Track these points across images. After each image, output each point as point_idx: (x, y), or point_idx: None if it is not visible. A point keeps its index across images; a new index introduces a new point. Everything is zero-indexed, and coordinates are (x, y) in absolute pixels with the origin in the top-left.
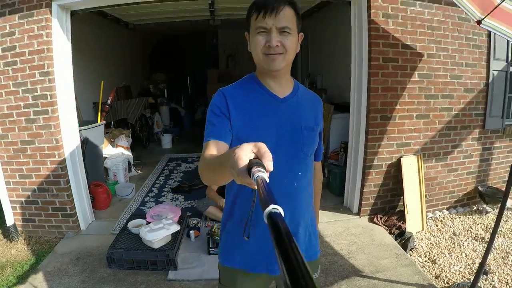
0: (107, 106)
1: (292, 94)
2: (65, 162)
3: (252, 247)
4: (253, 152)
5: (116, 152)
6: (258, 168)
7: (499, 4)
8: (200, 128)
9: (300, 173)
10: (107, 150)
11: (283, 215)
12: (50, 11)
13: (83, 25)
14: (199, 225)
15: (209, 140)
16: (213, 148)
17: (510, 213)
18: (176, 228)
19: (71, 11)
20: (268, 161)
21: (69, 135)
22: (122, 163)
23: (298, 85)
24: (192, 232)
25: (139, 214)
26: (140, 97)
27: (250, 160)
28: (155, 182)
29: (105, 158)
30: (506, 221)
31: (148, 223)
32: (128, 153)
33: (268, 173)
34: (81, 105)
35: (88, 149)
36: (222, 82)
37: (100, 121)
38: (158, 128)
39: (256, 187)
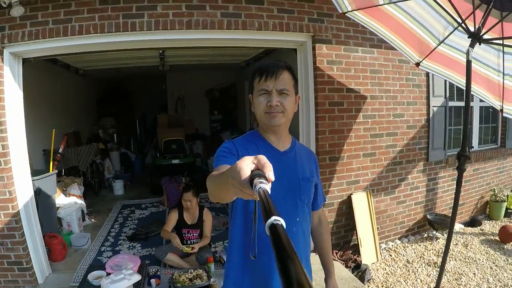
0: (59, 155)
1: (291, 148)
2: (19, 214)
3: (252, 280)
4: (254, 163)
5: (69, 201)
6: (260, 180)
7: (435, 48)
8: (150, 173)
9: (298, 219)
10: (60, 199)
11: (284, 226)
12: (2, 59)
13: (32, 70)
14: (159, 273)
15: (219, 165)
16: (222, 170)
17: (459, 237)
18: (137, 278)
19: (22, 58)
20: (269, 171)
21: (23, 186)
22: (76, 213)
23: (295, 141)
24: (153, 280)
25: (98, 264)
26: (91, 143)
27: (251, 171)
28: (110, 230)
29: (58, 207)
30: (456, 244)
31: (108, 274)
32: (81, 201)
33: (270, 183)
34: (31, 153)
35: (41, 200)
36: (173, 127)
37: (52, 170)
38: (109, 174)
39: (258, 198)
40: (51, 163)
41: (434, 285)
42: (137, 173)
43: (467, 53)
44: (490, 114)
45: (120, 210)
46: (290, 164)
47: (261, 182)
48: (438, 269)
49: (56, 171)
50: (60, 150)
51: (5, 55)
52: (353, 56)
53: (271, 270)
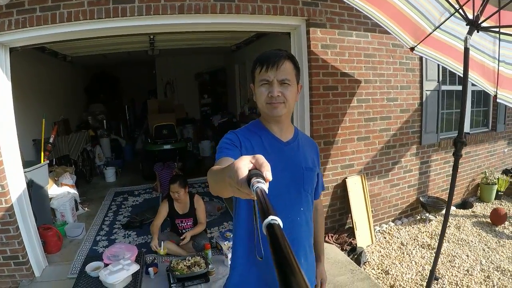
0: (50, 145)
1: (293, 138)
2: (12, 208)
3: (260, 273)
4: (252, 163)
5: (61, 191)
6: (258, 179)
7: (430, 33)
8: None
9: (302, 209)
10: (52, 190)
11: (282, 226)
12: None
13: (19, 59)
14: (156, 261)
15: (221, 157)
16: (224, 163)
17: (452, 219)
18: (136, 268)
19: (10, 48)
20: (267, 171)
21: (15, 180)
22: (69, 202)
23: (297, 131)
24: (151, 269)
25: (94, 255)
26: (81, 131)
27: (249, 170)
28: (104, 219)
29: (51, 198)
30: (448, 226)
31: (106, 265)
32: (74, 191)
33: (268, 183)
34: (20, 143)
35: (34, 192)
36: (163, 113)
37: (44, 160)
38: (100, 161)
39: (255, 198)
40: (42, 153)
41: (429, 267)
42: (127, 159)
43: (465, 41)
44: (482, 98)
45: (113, 197)
46: (293, 154)
47: (258, 182)
48: (432, 251)
49: (48, 161)
50: (51, 140)
51: None
52: (347, 40)
53: None
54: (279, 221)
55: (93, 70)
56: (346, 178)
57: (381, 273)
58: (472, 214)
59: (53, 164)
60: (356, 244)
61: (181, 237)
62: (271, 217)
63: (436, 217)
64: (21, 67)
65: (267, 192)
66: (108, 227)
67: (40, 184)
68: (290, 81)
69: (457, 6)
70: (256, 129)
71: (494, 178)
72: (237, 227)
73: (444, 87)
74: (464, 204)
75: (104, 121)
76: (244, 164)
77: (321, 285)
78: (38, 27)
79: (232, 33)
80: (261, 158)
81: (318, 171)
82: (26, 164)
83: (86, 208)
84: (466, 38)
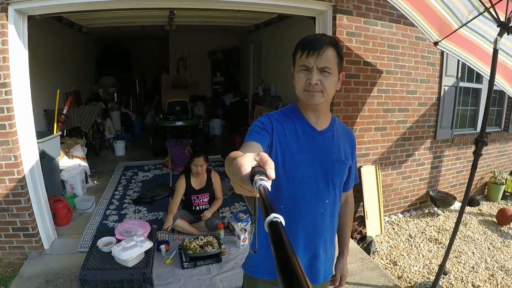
0: (63, 116)
1: (329, 127)
2: (24, 179)
3: None
4: (256, 160)
5: (72, 163)
6: (261, 177)
7: (456, 30)
8: (150, 132)
9: (327, 201)
10: (63, 161)
11: (284, 224)
12: (7, 16)
13: (35, 27)
14: (167, 238)
15: (248, 141)
16: (247, 149)
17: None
18: (149, 245)
19: (28, 16)
20: (271, 169)
21: (28, 150)
22: (80, 175)
23: (335, 120)
24: (162, 246)
25: (104, 229)
26: (93, 103)
27: (252, 168)
28: (114, 193)
29: (61, 170)
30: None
31: (118, 240)
32: (84, 163)
33: (271, 181)
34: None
35: (45, 163)
36: (177, 89)
37: (56, 131)
38: (110, 135)
39: (257, 195)
40: (55, 124)
41: (436, 261)
42: (137, 134)
43: (495, 42)
44: (496, 98)
45: (122, 171)
46: (326, 144)
47: (261, 179)
48: (439, 246)
49: (60, 132)
50: (64, 111)
51: (10, 12)
52: (372, 29)
53: (294, 248)
54: (281, 219)
55: (105, 42)
56: (361, 167)
57: (390, 264)
58: (479, 212)
59: (64, 136)
60: (366, 233)
61: (202, 214)
62: (273, 214)
63: (444, 212)
64: (37, 35)
65: (270, 190)
66: (118, 201)
67: (51, 156)
68: (331, 70)
69: (488, 5)
70: (291, 114)
71: (503, 178)
72: (260, 215)
73: (462, 84)
74: (471, 202)
75: (115, 94)
76: (248, 162)
77: (341, 280)
78: None
79: (254, 13)
80: (265, 156)
81: (350, 163)
82: (38, 134)
83: (95, 181)
84: (496, 39)
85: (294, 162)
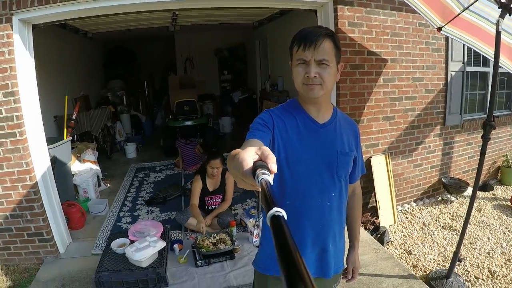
0: (73, 121)
1: (331, 120)
2: (37, 185)
3: None
4: (257, 154)
5: (84, 167)
6: (263, 171)
7: (459, 14)
8: (161, 133)
9: (333, 194)
10: (75, 166)
11: (286, 218)
12: (11, 26)
13: (42, 35)
14: (180, 237)
15: (249, 138)
16: (249, 144)
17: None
18: (162, 244)
19: (32, 25)
20: (272, 163)
21: (39, 157)
22: (92, 179)
23: (336, 112)
24: (176, 246)
25: (118, 231)
26: (102, 107)
27: (254, 162)
28: (127, 195)
29: (74, 174)
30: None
31: (131, 241)
32: (96, 167)
33: (273, 175)
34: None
35: (57, 168)
36: (185, 88)
37: (66, 137)
38: (121, 137)
39: (259, 189)
40: (65, 130)
41: (450, 248)
42: (147, 135)
43: (497, 24)
44: (505, 81)
45: (134, 173)
46: (329, 137)
47: (263, 173)
48: (453, 232)
49: (70, 137)
50: (74, 117)
51: (14, 22)
52: (374, 18)
53: (302, 243)
54: (283, 213)
55: (111, 45)
56: (371, 157)
57: (404, 253)
58: (493, 196)
59: (75, 141)
60: (379, 224)
61: (205, 220)
62: (275, 208)
63: (457, 199)
64: (43, 43)
65: (272, 184)
66: (131, 203)
67: (63, 161)
68: (328, 62)
69: None
70: (292, 109)
71: None
72: None
73: (468, 68)
74: (485, 187)
75: (124, 97)
76: (249, 156)
77: (353, 272)
78: (61, 4)
79: (257, 9)
80: (266, 150)
81: (356, 154)
82: (48, 140)
83: (108, 184)
84: (498, 21)
85: (297, 156)
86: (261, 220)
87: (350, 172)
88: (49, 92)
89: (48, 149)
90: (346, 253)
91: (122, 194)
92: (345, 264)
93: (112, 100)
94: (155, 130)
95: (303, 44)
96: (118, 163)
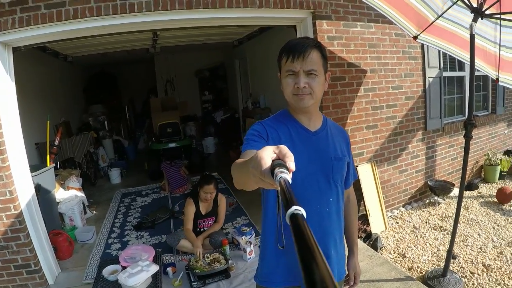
0: (55, 147)
1: (322, 127)
2: (22, 214)
3: (288, 263)
4: (275, 153)
5: (69, 195)
6: (281, 169)
7: (433, 22)
8: (145, 157)
9: (331, 199)
10: (59, 193)
11: (305, 216)
12: None
13: (20, 59)
14: (173, 260)
15: (247, 150)
16: (249, 156)
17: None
18: (155, 268)
19: (13, 47)
20: (291, 161)
21: (23, 184)
22: (77, 206)
23: (326, 120)
24: (169, 269)
25: (108, 258)
26: (84, 133)
27: (272, 160)
28: (114, 221)
29: (58, 202)
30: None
31: (123, 267)
32: (81, 194)
33: (291, 173)
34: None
35: (42, 196)
36: (167, 110)
37: (50, 163)
38: (104, 163)
39: (278, 188)
40: (48, 156)
41: (443, 248)
42: (131, 160)
43: (471, 28)
44: (480, 83)
45: (120, 199)
46: (322, 144)
47: (282, 172)
48: (444, 232)
49: (54, 164)
50: (56, 142)
51: None
52: (352, 31)
53: None
54: (302, 211)
55: (92, 70)
56: (357, 166)
57: (398, 257)
58: (479, 194)
59: (57, 168)
60: (370, 231)
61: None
62: (294, 207)
63: (444, 200)
64: (22, 68)
65: (290, 182)
66: (119, 229)
67: (47, 188)
68: (317, 71)
69: None
70: (283, 118)
71: (497, 159)
72: (265, 220)
73: (445, 73)
74: (470, 186)
75: (106, 122)
76: (267, 154)
77: (355, 278)
78: (43, 25)
79: (236, 27)
80: (284, 148)
81: (348, 160)
82: (31, 168)
83: (94, 211)
84: (471, 25)
85: None
86: (253, 237)
87: (344, 177)
88: (30, 118)
89: (32, 176)
90: (346, 259)
91: (109, 220)
92: (345, 270)
93: (94, 126)
94: (139, 154)
95: (291, 55)
96: (103, 189)
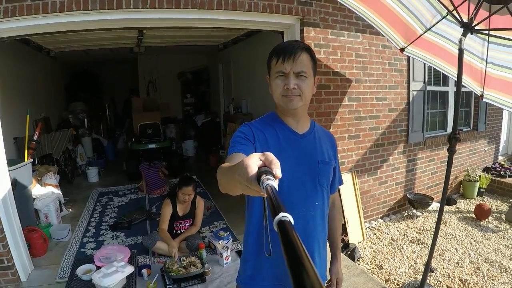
0: (34, 143)
1: (310, 130)
2: None
3: (273, 266)
4: (261, 160)
5: (45, 191)
6: (267, 176)
7: (421, 35)
8: (123, 157)
9: (317, 203)
10: (36, 190)
11: (293, 223)
12: None
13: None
14: (148, 262)
15: (233, 153)
16: (234, 160)
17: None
18: (130, 269)
19: None
20: (277, 169)
21: None
22: (53, 203)
23: (314, 123)
24: (144, 270)
25: (83, 257)
26: (64, 130)
27: (259, 168)
28: (90, 220)
29: (35, 199)
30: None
31: (98, 267)
32: (58, 191)
33: (277, 180)
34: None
35: (18, 192)
36: (148, 111)
37: (27, 159)
38: (82, 161)
39: (265, 195)
40: (26, 151)
41: (420, 261)
42: (110, 159)
43: (460, 42)
44: (464, 100)
45: (97, 198)
46: (309, 147)
47: (268, 179)
48: (422, 246)
49: (32, 160)
50: (35, 138)
51: None
52: (339, 40)
53: None
54: (290, 217)
55: (74, 67)
56: None
57: (375, 268)
58: (457, 210)
59: (35, 163)
60: (348, 241)
61: (172, 254)
62: (282, 214)
63: (423, 213)
64: (3, 61)
65: (277, 189)
66: (94, 228)
67: (24, 184)
68: (306, 74)
69: (451, 8)
70: (271, 121)
71: (476, 176)
72: (250, 223)
73: (429, 88)
74: (448, 201)
75: (86, 120)
76: (254, 162)
77: (337, 284)
78: (28, 17)
79: (223, 30)
80: (270, 155)
81: (335, 164)
82: (8, 162)
83: (70, 209)
84: (460, 39)
85: None
86: (230, 242)
87: (330, 182)
88: (9, 113)
89: (9, 171)
90: (328, 264)
91: (85, 219)
92: (327, 276)
93: (74, 123)
94: (118, 154)
95: (282, 56)
96: (80, 188)
